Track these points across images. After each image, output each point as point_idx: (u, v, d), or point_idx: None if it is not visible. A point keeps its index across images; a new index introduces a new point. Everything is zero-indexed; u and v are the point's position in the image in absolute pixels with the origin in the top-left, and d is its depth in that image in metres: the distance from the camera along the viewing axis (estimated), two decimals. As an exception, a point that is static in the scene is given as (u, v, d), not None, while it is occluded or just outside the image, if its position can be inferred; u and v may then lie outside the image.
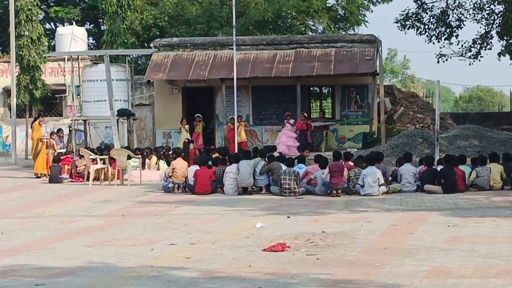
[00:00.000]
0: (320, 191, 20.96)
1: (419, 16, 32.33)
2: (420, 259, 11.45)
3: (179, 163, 22.72)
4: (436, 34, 32.41)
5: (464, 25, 32.49)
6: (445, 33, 32.42)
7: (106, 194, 22.22)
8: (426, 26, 32.37)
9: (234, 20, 28.47)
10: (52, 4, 49.66)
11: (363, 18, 48.07)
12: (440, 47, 32.69)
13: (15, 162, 32.73)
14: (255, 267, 11.07)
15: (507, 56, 31.72)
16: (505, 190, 20.99)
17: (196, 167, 22.27)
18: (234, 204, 19.20)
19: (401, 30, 32.54)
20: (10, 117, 35.24)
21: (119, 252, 12.55)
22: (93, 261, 11.76)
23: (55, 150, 27.61)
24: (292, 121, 31.03)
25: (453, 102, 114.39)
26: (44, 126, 30.21)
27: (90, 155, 25.68)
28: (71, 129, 32.22)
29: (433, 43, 32.64)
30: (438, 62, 32.51)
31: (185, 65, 33.11)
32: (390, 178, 21.60)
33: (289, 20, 44.87)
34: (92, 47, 48.55)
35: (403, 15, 32.41)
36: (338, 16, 47.44)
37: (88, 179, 24.99)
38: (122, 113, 29.73)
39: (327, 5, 46.51)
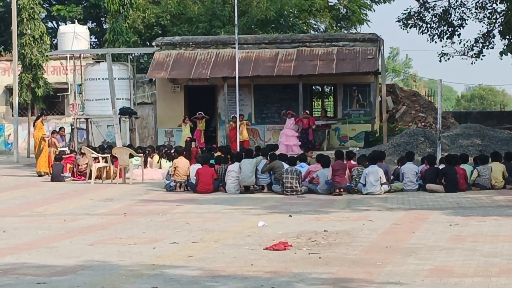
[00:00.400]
0: (322, 190, 20.95)
1: (421, 15, 32.35)
2: (422, 258, 11.45)
3: (181, 162, 22.72)
4: (438, 33, 32.42)
5: (466, 24, 32.52)
6: (447, 32, 32.43)
7: (108, 192, 22.23)
8: (428, 25, 32.39)
9: (236, 18, 28.46)
10: (54, 2, 49.72)
11: (365, 17, 48.07)
12: (442, 46, 32.74)
13: (17, 161, 32.74)
14: (257, 266, 11.07)
15: (509, 55, 31.73)
16: (507, 189, 20.95)
17: (198, 165, 22.26)
18: (236, 203, 19.20)
19: (403, 29, 32.57)
20: (12, 116, 35.24)
21: (121, 250, 12.55)
22: (95, 259, 11.76)
23: (57, 149, 27.62)
24: (292, 119, 31.01)
25: (455, 101, 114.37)
26: (46, 124, 30.19)
27: (92, 153, 25.68)
28: (73, 127, 32.25)
29: (435, 42, 32.67)
30: (440, 61, 32.54)
31: (187, 64, 33.13)
32: (392, 177, 21.58)
33: (291, 19, 44.85)
34: (94, 45, 48.59)
35: (405, 14, 32.43)
36: (340, 15, 47.44)
37: (90, 178, 24.99)
38: (124, 111, 29.75)
39: (329, 4, 46.52)
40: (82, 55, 34.23)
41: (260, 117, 33.72)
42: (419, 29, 32.45)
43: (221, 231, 14.52)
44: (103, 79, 29.45)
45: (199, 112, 31.88)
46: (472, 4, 32.47)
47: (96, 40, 50.13)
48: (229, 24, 39.79)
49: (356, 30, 47.07)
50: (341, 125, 33.25)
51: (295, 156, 23.57)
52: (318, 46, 33.18)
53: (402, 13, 32.52)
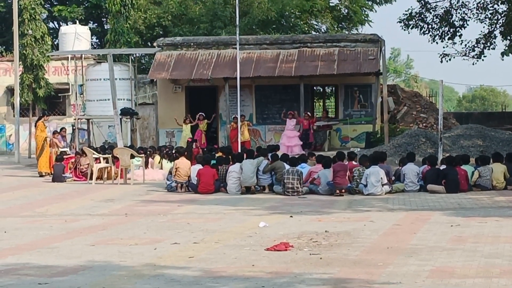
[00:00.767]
0: (323, 190, 20.95)
1: (422, 16, 32.36)
2: (423, 258, 11.45)
3: (182, 162, 22.72)
4: (439, 34, 32.43)
5: (467, 24, 32.54)
6: (449, 32, 32.45)
7: (109, 193, 22.23)
8: (430, 26, 32.41)
9: (237, 19, 28.48)
10: (55, 3, 49.71)
11: (366, 18, 48.05)
12: (444, 47, 32.76)
13: (18, 161, 32.75)
14: (258, 267, 11.07)
15: (511, 55, 31.75)
16: (508, 190, 20.95)
17: (199, 166, 22.26)
18: (237, 204, 19.20)
19: (404, 29, 32.59)
20: (14, 116, 35.25)
21: (122, 251, 12.56)
22: (96, 260, 11.77)
23: (58, 149, 27.62)
24: (293, 120, 31.02)
25: (456, 101, 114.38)
26: (47, 125, 30.19)
27: (93, 154, 25.69)
28: (74, 128, 32.25)
29: (437, 42, 32.68)
30: (441, 61, 32.56)
31: (188, 64, 33.14)
32: (393, 178, 21.58)
33: (292, 20, 44.85)
34: (95, 46, 48.59)
35: (406, 14, 32.45)
36: (342, 16, 47.42)
37: (91, 178, 24.99)
38: (125, 112, 29.76)
39: (331, 4, 46.51)
40: (83, 55, 34.25)
41: (261, 117, 33.73)
42: (421, 29, 32.47)
43: (222, 232, 14.51)
44: (104, 79, 29.47)
45: (200, 114, 31.89)
46: (474, 4, 32.50)
47: (97, 40, 50.14)
48: (230, 24, 39.80)
49: (358, 30, 47.10)
50: (342, 125, 33.25)
51: (296, 156, 23.57)
52: (319, 47, 33.18)
53: (403, 13, 32.58)
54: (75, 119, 32.71)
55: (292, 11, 44.15)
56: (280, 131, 32.33)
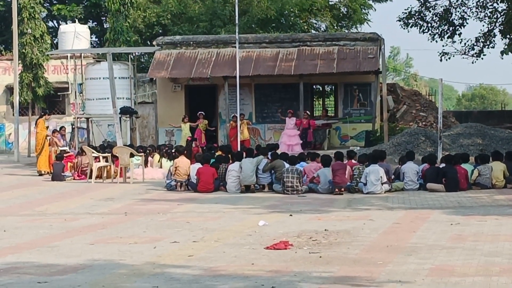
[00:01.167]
0: (323, 189, 20.95)
1: (422, 14, 32.37)
2: (423, 257, 11.45)
3: (182, 161, 22.72)
4: (439, 32, 32.44)
5: (467, 23, 32.54)
6: (448, 31, 32.45)
7: (109, 192, 22.23)
8: (429, 24, 32.42)
9: (237, 18, 28.46)
10: (55, 2, 49.72)
11: (366, 16, 48.05)
12: (443, 45, 32.76)
13: (18, 160, 32.74)
14: (258, 265, 11.07)
15: (510, 54, 31.74)
16: (507, 189, 20.94)
17: (199, 165, 22.25)
18: (237, 202, 19.20)
19: (404, 28, 32.59)
20: (13, 115, 35.24)
21: (122, 250, 12.56)
22: (96, 258, 11.77)
23: (58, 148, 27.61)
24: (293, 119, 31.01)
25: (456, 100, 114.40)
26: (47, 124, 30.18)
27: (93, 153, 25.68)
28: (73, 127, 32.23)
29: (436, 41, 32.69)
30: (441, 60, 32.56)
31: (188, 63, 33.14)
32: (393, 177, 21.58)
33: (292, 18, 44.86)
34: (95, 45, 48.59)
35: (406, 13, 32.45)
36: (341, 14, 47.43)
37: (90, 177, 24.99)
38: (124, 111, 29.75)
39: (330, 3, 46.52)
40: (82, 54, 34.22)
41: (261, 116, 33.73)
42: (420, 28, 32.47)
43: (222, 231, 14.51)
44: (103, 78, 29.45)
45: (200, 113, 31.90)
46: (473, 3, 32.50)
47: (96, 39, 50.14)
48: (230, 23, 39.80)
49: (357, 29, 47.09)
50: (341, 124, 33.25)
51: (296, 155, 23.56)
52: (319, 46, 33.19)
53: (402, 12, 32.58)
54: (74, 118, 32.69)
55: (291, 9, 44.16)
56: (280, 129, 32.34)
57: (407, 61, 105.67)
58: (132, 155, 24.86)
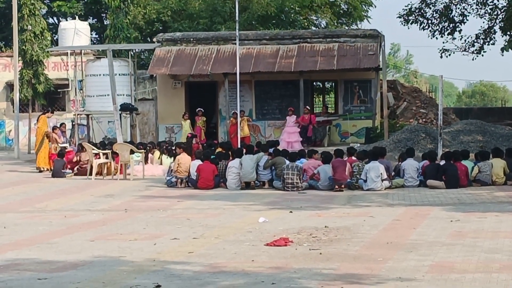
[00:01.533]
0: (323, 186, 20.95)
1: (422, 11, 32.37)
2: (423, 254, 11.45)
3: (184, 158, 22.72)
4: (439, 29, 32.45)
5: (467, 20, 32.55)
6: (448, 28, 32.45)
7: (109, 188, 22.23)
8: (429, 21, 32.42)
9: (237, 14, 28.46)
10: (55, -2, 49.64)
11: (366, 13, 48.02)
12: (443, 42, 32.76)
13: (18, 157, 32.73)
14: (258, 262, 11.07)
15: (510, 51, 31.73)
16: (508, 185, 20.94)
17: (199, 161, 22.25)
18: (237, 199, 19.21)
19: (404, 25, 32.59)
20: (13, 112, 35.22)
21: (122, 246, 12.56)
22: (96, 255, 11.77)
23: (58, 144, 27.61)
24: (293, 117, 30.99)
25: (456, 97, 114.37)
26: (48, 120, 30.16)
27: (93, 149, 25.68)
28: (74, 123, 32.23)
29: (436, 38, 32.69)
30: (441, 57, 32.62)
31: (188, 60, 33.12)
32: (393, 173, 21.58)
33: (292, 15, 44.84)
34: (95, 41, 48.58)
35: (406, 10, 32.45)
36: (341, 11, 47.38)
37: (90, 174, 24.99)
38: (125, 107, 29.74)
39: (330, 0, 46.47)
40: (83, 51, 34.21)
41: (261, 113, 33.71)
42: (420, 25, 32.47)
43: (222, 227, 14.52)
44: (104, 75, 29.45)
45: (199, 109, 31.90)
46: (473, 0, 32.47)
47: (97, 36, 50.10)
48: (230, 20, 39.78)
49: (357, 26, 47.04)
50: (342, 121, 33.23)
51: (296, 152, 23.56)
52: (319, 42, 33.16)
53: (403, 9, 32.59)
54: (74, 114, 32.68)
55: (291, 6, 44.13)
56: (280, 126, 32.33)
57: (407, 57, 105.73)
58: (132, 152, 24.85)
